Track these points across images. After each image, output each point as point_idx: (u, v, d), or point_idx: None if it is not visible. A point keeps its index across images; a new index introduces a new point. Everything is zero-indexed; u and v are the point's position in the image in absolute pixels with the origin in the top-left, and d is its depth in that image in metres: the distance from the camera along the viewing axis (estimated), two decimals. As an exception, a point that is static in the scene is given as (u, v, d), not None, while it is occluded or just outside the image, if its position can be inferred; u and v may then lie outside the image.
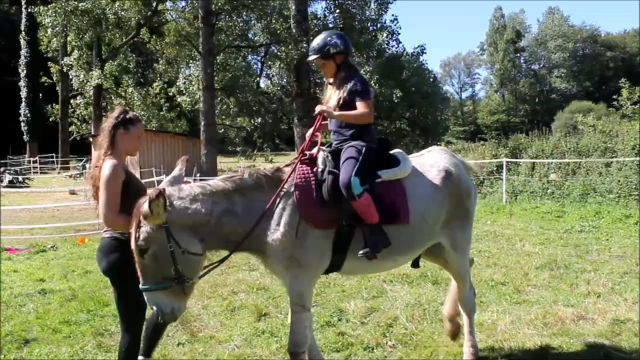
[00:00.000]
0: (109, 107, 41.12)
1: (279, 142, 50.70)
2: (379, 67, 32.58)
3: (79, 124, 43.38)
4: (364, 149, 4.02)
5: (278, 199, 3.86)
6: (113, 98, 40.10)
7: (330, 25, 32.36)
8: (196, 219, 3.67)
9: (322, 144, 4.22)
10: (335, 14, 31.97)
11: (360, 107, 4.06)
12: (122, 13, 31.99)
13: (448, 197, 4.38)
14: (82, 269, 8.85)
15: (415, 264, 4.91)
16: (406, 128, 34.06)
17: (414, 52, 36.06)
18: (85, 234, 12.82)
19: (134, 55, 40.80)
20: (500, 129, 60.37)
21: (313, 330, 5.60)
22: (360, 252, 3.90)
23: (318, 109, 4.14)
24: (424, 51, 36.38)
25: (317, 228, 3.87)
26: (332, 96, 4.25)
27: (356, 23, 32.75)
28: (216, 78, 29.67)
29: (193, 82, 31.76)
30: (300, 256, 3.86)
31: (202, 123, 27.31)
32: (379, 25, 34.27)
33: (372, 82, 30.78)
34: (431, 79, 40.24)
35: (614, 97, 26.46)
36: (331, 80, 4.34)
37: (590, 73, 74.27)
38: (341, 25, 31.78)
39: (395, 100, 31.06)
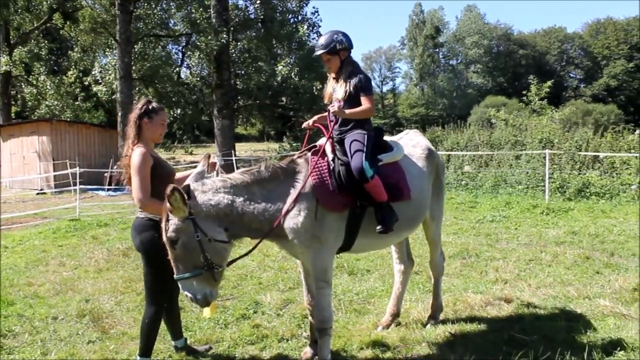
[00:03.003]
0: (18, 96, 39.17)
1: (199, 133, 49.89)
2: (300, 60, 32.59)
3: (-15, 113, 41.05)
4: (366, 136, 4.45)
5: (293, 189, 4.20)
6: (23, 86, 38.02)
7: (252, 17, 32.04)
8: (219, 210, 3.98)
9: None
10: (257, 5, 31.59)
11: (365, 102, 4.50)
12: (33, -5, 30.43)
13: (432, 173, 5.09)
14: (-15, 267, 8.45)
15: None
16: (327, 120, 34.18)
17: (335, 45, 36.25)
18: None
19: (46, 41, 38.72)
20: (420, 122, 61.91)
21: (228, 323, 5.60)
22: (378, 228, 4.33)
23: (332, 110, 4.43)
24: (344, 44, 36.67)
25: (334, 212, 4.23)
26: (335, 89, 4.66)
27: (277, 15, 32.51)
28: (134, 68, 28.79)
29: (110, 72, 30.66)
30: (320, 235, 4.19)
31: (120, 114, 26.46)
32: (300, 17, 34.25)
33: (293, 74, 30.72)
34: (352, 72, 40.49)
35: (524, 92, 27.69)
36: (334, 74, 4.72)
37: (504, 69, 77.11)
38: (262, 17, 31.54)
39: (316, 93, 31.14)
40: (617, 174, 15.28)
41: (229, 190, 4.06)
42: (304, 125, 4.83)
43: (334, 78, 4.74)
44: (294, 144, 32.78)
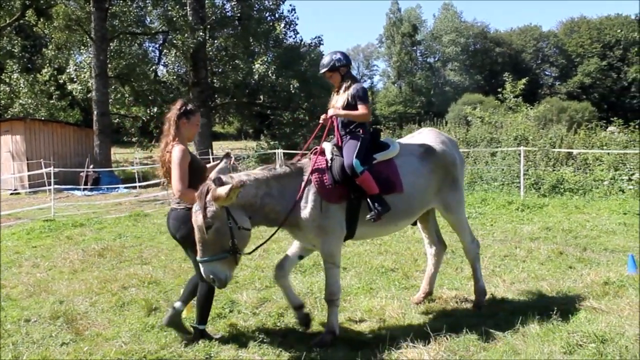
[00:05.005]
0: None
1: (177, 132, 49.40)
2: (277, 58, 32.53)
3: (-44, 110, 40.19)
4: (360, 138, 5.13)
5: (303, 184, 4.88)
6: (-4, 84, 37.41)
7: (229, 14, 31.90)
8: (246, 200, 4.60)
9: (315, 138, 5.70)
10: (233, 3, 31.45)
11: (361, 109, 5.16)
12: (4, -8, 29.86)
13: (435, 169, 5.51)
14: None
15: (414, 223, 5.99)
16: (305, 118, 33.94)
17: (312, 43, 36.34)
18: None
19: (19, 38, 38.05)
20: (398, 119, 61.99)
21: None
22: (368, 216, 4.97)
23: (331, 112, 5.22)
24: (322, 42, 36.76)
25: (333, 203, 4.89)
26: (338, 100, 5.32)
27: (254, 12, 32.47)
28: (110, 66, 28.49)
29: (85, 70, 30.29)
30: (326, 225, 4.90)
31: (95, 112, 26.16)
32: (277, 15, 34.22)
33: (270, 72, 30.59)
34: (330, 70, 40.46)
35: (500, 90, 27.94)
36: (337, 88, 5.40)
37: (481, 67, 77.56)
38: (239, 15, 31.42)
39: (293, 91, 31.09)
40: (590, 170, 15.51)
41: (253, 183, 4.69)
42: (322, 119, 5.37)
43: (336, 91, 5.43)
44: (272, 142, 32.66)
